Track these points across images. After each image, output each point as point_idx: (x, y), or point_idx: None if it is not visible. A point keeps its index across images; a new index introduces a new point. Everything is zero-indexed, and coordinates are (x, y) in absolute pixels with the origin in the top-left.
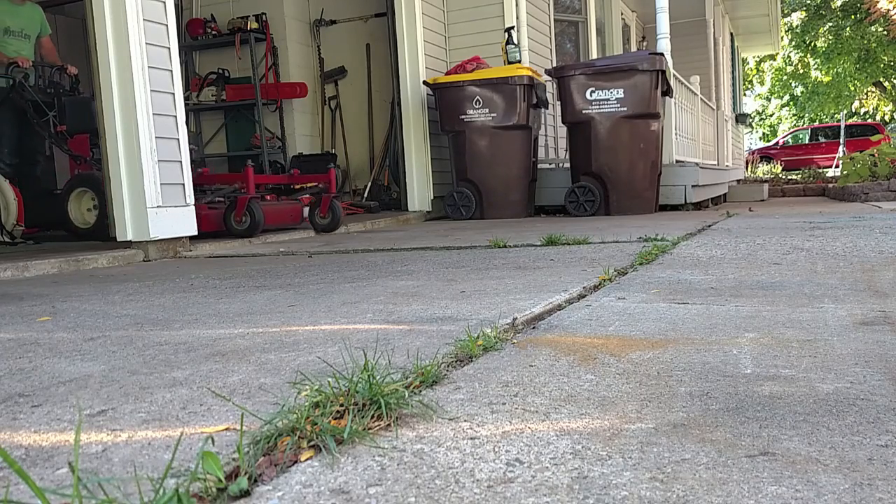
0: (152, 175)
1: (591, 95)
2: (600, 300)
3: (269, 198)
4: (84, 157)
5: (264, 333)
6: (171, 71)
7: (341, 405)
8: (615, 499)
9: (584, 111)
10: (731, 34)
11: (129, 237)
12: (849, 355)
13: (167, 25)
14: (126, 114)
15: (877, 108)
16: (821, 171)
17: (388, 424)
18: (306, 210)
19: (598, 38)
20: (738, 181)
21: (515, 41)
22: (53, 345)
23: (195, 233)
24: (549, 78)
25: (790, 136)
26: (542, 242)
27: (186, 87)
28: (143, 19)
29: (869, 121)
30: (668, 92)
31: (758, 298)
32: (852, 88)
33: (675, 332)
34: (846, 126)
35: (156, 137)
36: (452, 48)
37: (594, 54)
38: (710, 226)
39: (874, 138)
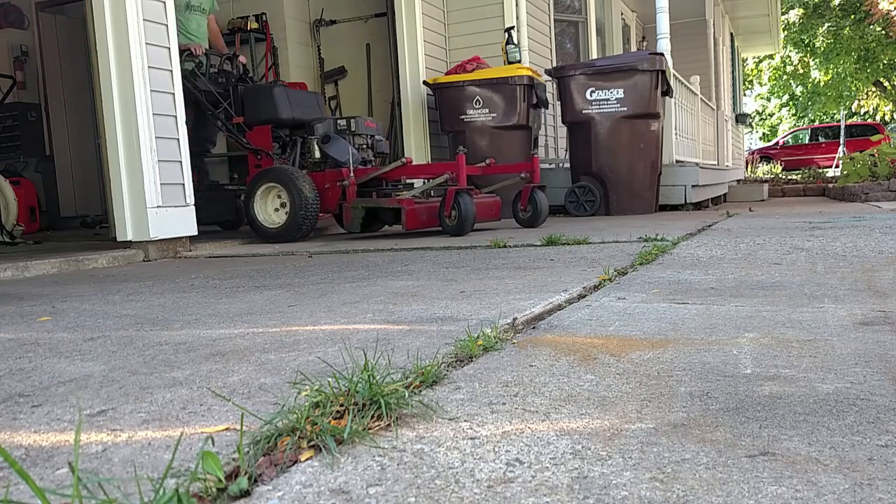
0: (152, 175)
1: (591, 95)
2: (600, 300)
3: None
4: (266, 150)
5: (264, 333)
6: (171, 71)
7: (341, 405)
8: (615, 499)
9: (584, 111)
10: (731, 34)
11: (129, 237)
12: (849, 355)
13: (167, 25)
14: (126, 114)
15: (877, 108)
16: (821, 171)
17: (388, 424)
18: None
19: (598, 38)
20: (738, 181)
21: (515, 41)
22: (53, 345)
23: (195, 233)
24: (549, 78)
25: (790, 136)
26: (542, 242)
27: None
28: (143, 19)
29: (869, 121)
30: (668, 92)
31: (758, 298)
32: (853, 88)
33: (675, 332)
34: (846, 126)
35: (156, 137)
36: (452, 48)
37: (594, 54)
38: (710, 226)
39: (874, 138)
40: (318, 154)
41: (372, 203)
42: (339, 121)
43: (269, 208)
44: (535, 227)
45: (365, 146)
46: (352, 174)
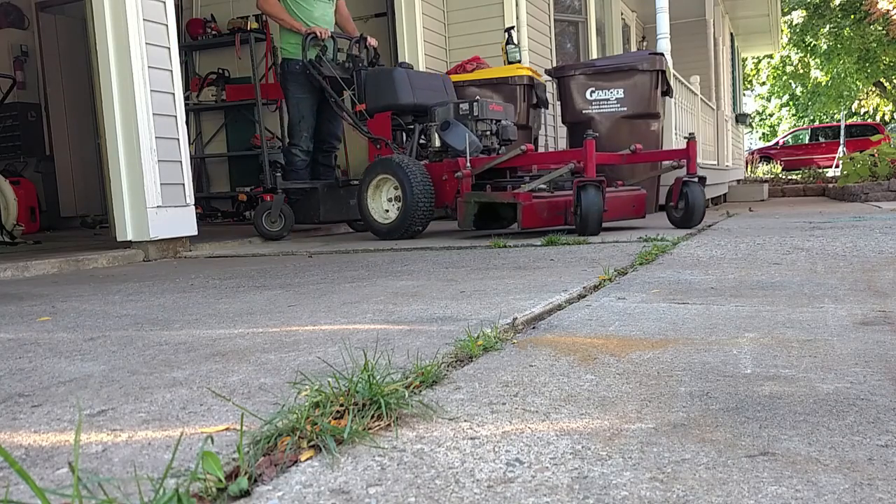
0: (152, 175)
1: (591, 95)
2: (600, 300)
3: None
4: (385, 139)
5: (264, 333)
6: (171, 71)
7: (341, 405)
8: (615, 499)
9: (584, 111)
10: (731, 34)
11: (129, 237)
12: (849, 355)
13: (167, 25)
14: (126, 114)
15: (877, 108)
16: (821, 171)
17: (388, 424)
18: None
19: (598, 38)
20: (738, 181)
21: (515, 41)
22: (53, 345)
23: (195, 233)
24: (549, 78)
25: (790, 136)
26: (542, 242)
27: (186, 87)
28: (143, 19)
29: (869, 121)
30: (668, 92)
31: (758, 298)
32: (853, 88)
33: (675, 332)
34: (846, 126)
35: (156, 137)
36: (452, 48)
37: (594, 54)
38: (710, 226)
39: (874, 138)
40: (438, 142)
41: (486, 197)
42: (461, 105)
43: (383, 202)
44: (688, 227)
45: (489, 133)
46: (468, 164)
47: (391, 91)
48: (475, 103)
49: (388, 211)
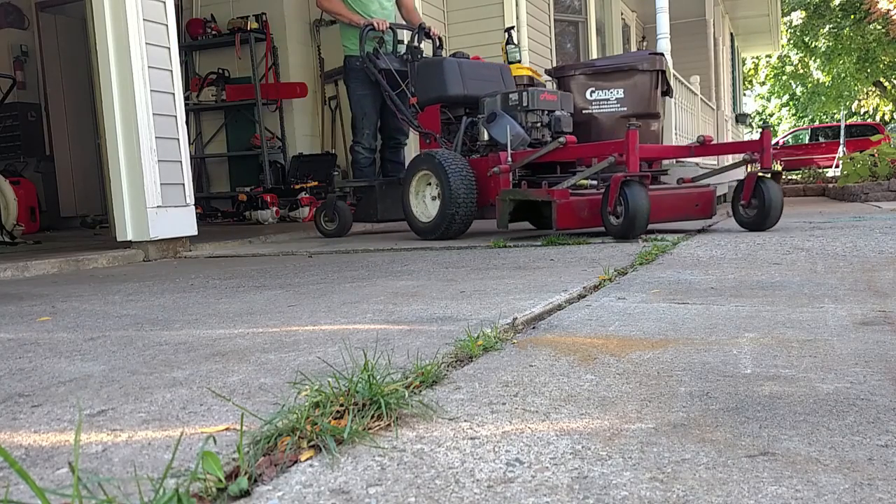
0: (152, 175)
1: (590, 95)
2: (600, 300)
3: (682, 180)
4: (434, 133)
5: (264, 333)
6: (171, 71)
7: (341, 405)
8: (615, 499)
9: (583, 111)
10: (731, 34)
11: (129, 237)
12: (849, 355)
13: (167, 25)
14: (126, 114)
15: (877, 108)
16: (821, 171)
17: (388, 424)
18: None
19: (598, 38)
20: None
21: (515, 41)
22: (53, 345)
23: (195, 233)
24: (549, 78)
25: (790, 136)
26: (542, 242)
27: (186, 87)
28: (143, 19)
29: (869, 121)
30: (668, 92)
31: (758, 298)
32: (853, 88)
33: (675, 332)
34: (846, 126)
35: (156, 137)
36: (452, 48)
37: (594, 54)
38: (710, 226)
39: (874, 138)
40: (486, 136)
41: (521, 195)
42: (510, 95)
43: (425, 200)
44: (761, 229)
45: (539, 124)
46: (510, 158)
47: (440, 82)
48: (524, 93)
49: (428, 209)
